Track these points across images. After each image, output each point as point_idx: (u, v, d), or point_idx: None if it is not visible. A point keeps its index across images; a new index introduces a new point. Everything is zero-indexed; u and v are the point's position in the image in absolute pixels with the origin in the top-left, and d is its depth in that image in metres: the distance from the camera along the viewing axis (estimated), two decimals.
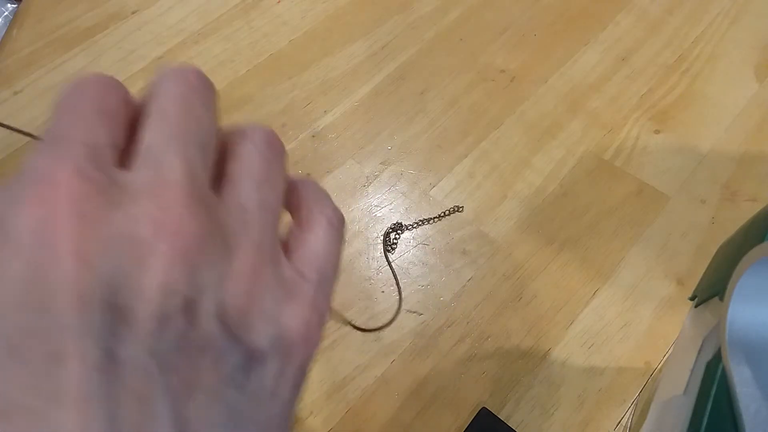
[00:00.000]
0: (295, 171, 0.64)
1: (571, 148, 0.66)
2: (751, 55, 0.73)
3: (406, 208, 0.62)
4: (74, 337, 0.13)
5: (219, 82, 0.71)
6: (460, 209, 0.59)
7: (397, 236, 0.58)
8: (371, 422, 0.51)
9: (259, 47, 0.74)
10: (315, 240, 0.18)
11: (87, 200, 0.14)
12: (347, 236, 0.60)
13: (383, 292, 0.57)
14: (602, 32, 0.75)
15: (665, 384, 0.36)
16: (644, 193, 0.62)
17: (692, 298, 0.35)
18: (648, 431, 0.36)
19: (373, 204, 0.62)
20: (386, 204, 0.62)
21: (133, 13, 0.78)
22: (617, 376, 0.52)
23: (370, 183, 0.64)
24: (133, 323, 0.13)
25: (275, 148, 0.19)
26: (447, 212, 0.61)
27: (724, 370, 0.26)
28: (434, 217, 0.60)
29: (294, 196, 0.20)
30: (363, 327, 0.54)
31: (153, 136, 0.16)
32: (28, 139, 0.67)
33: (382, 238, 0.59)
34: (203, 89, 0.18)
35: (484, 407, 0.50)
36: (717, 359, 0.28)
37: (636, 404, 0.51)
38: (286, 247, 0.18)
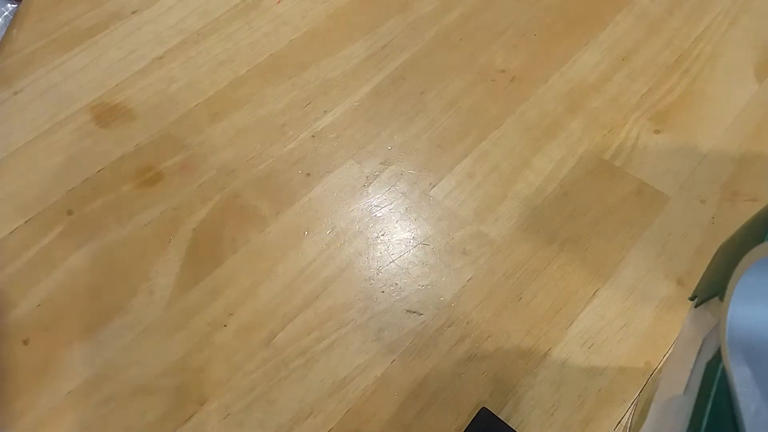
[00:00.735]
0: (295, 171, 0.64)
1: (571, 148, 0.66)
2: (751, 55, 0.73)
3: (406, 208, 0.62)
4: None
5: (219, 82, 0.71)
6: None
7: None
8: (371, 422, 0.51)
9: (259, 47, 0.74)
10: None
11: None
12: (347, 236, 0.60)
13: (383, 292, 0.57)
14: (602, 32, 0.75)
15: (665, 384, 0.36)
16: (644, 193, 0.62)
17: (692, 298, 0.35)
18: (648, 431, 0.36)
19: (373, 204, 0.62)
20: (386, 204, 0.62)
21: (133, 13, 0.78)
22: (617, 376, 0.52)
23: (370, 183, 0.64)
24: None
25: None
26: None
27: (724, 370, 0.26)
28: None
29: None
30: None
31: None
32: (27, 138, 0.67)
33: (382, 238, 0.59)
34: None
35: (484, 407, 0.50)
36: (717, 359, 0.28)
37: (636, 404, 0.51)
38: None
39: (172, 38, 0.75)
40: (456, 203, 0.62)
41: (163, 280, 0.58)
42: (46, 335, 0.55)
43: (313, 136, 0.67)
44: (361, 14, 0.77)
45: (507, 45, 0.74)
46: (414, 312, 0.56)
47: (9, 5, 0.77)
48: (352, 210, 0.62)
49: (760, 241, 0.25)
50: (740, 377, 0.25)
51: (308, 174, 0.64)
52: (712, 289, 0.31)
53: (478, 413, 0.50)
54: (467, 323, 0.55)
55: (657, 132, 0.67)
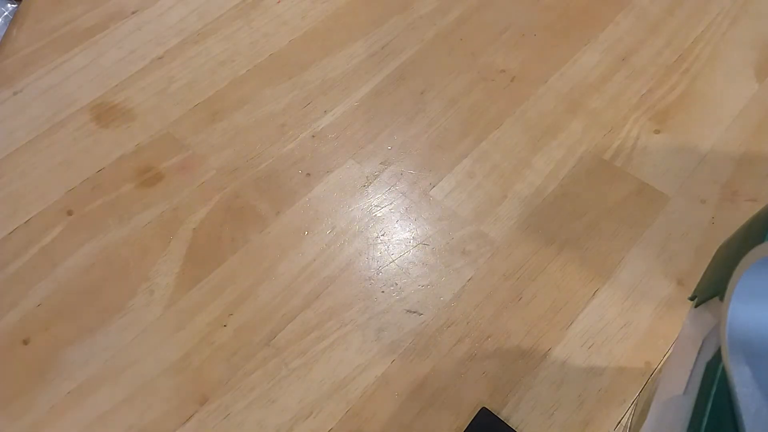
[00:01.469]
0: (295, 171, 0.64)
1: (571, 148, 0.66)
2: (751, 55, 0.73)
3: (406, 208, 0.62)
4: None
5: (219, 82, 0.71)
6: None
7: None
8: (371, 422, 0.51)
9: (259, 47, 0.74)
10: None
11: None
12: (347, 236, 0.60)
13: (383, 292, 0.57)
14: (602, 32, 0.75)
15: (665, 384, 0.36)
16: (644, 193, 0.62)
17: (692, 298, 0.35)
18: (648, 431, 0.36)
19: (373, 204, 0.62)
20: (386, 204, 0.62)
21: (133, 13, 0.78)
22: (617, 376, 0.52)
23: (370, 183, 0.64)
24: None
25: None
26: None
27: (724, 370, 0.26)
28: None
29: None
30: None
31: None
32: (27, 138, 0.67)
33: (382, 238, 0.59)
34: None
35: (484, 407, 0.50)
36: (717, 359, 0.28)
37: (636, 404, 0.51)
38: None
39: (172, 38, 0.75)
40: (456, 203, 0.62)
41: (163, 280, 0.58)
42: (46, 335, 0.55)
43: (313, 136, 0.67)
44: (361, 14, 0.77)
45: (507, 45, 0.74)
46: (414, 312, 0.56)
47: (9, 5, 0.77)
48: (352, 210, 0.62)
49: (760, 241, 0.25)
50: (740, 377, 0.25)
51: (308, 174, 0.64)
52: (712, 289, 0.31)
53: (478, 413, 0.50)
54: (467, 323, 0.55)
55: (657, 132, 0.67)
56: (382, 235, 0.60)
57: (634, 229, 0.60)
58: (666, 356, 0.53)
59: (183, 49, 0.74)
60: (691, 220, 0.60)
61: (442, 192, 0.63)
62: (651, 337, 0.54)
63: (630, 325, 0.55)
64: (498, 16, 0.77)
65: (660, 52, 0.73)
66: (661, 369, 0.52)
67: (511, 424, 0.50)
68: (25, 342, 0.55)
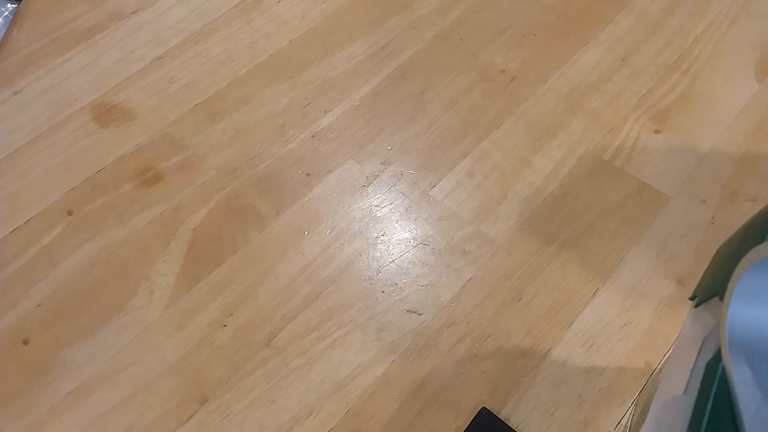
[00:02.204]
0: (295, 171, 0.64)
1: (571, 148, 0.66)
2: (751, 55, 0.73)
3: (406, 208, 0.62)
4: None
5: (219, 82, 0.71)
6: None
7: None
8: (371, 422, 0.51)
9: (259, 47, 0.74)
10: None
11: None
12: (347, 236, 0.60)
13: (383, 292, 0.57)
14: (602, 32, 0.75)
15: (665, 384, 0.36)
16: (644, 193, 0.62)
17: (692, 298, 0.35)
18: (648, 431, 0.36)
19: (373, 204, 0.62)
20: (386, 204, 0.62)
21: (133, 13, 0.78)
22: (617, 376, 0.52)
23: (370, 183, 0.64)
24: None
25: None
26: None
27: (724, 370, 0.26)
28: None
29: None
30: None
31: None
32: (27, 138, 0.67)
33: (382, 238, 0.59)
34: None
35: (484, 407, 0.50)
36: (717, 359, 0.28)
37: (636, 404, 0.51)
38: None
39: (172, 38, 0.75)
40: (456, 203, 0.62)
41: (163, 280, 0.58)
42: (46, 335, 0.55)
43: (313, 136, 0.67)
44: (361, 14, 0.77)
45: (507, 45, 0.74)
46: (414, 312, 0.56)
47: (9, 5, 0.77)
48: (352, 210, 0.62)
49: (760, 241, 0.25)
50: (740, 377, 0.25)
51: (308, 174, 0.64)
52: (712, 289, 0.31)
53: (478, 413, 0.50)
54: (467, 323, 0.55)
55: (657, 132, 0.67)
56: (382, 235, 0.60)
57: (634, 229, 0.60)
58: (666, 356, 0.53)
59: (183, 49, 0.74)
60: (691, 220, 0.60)
61: (442, 192, 0.63)
62: (651, 337, 0.54)
63: (630, 325, 0.55)
64: (498, 16, 0.77)
65: (660, 52, 0.73)
66: (661, 369, 0.52)
67: (511, 424, 0.50)
68: (25, 342, 0.55)
